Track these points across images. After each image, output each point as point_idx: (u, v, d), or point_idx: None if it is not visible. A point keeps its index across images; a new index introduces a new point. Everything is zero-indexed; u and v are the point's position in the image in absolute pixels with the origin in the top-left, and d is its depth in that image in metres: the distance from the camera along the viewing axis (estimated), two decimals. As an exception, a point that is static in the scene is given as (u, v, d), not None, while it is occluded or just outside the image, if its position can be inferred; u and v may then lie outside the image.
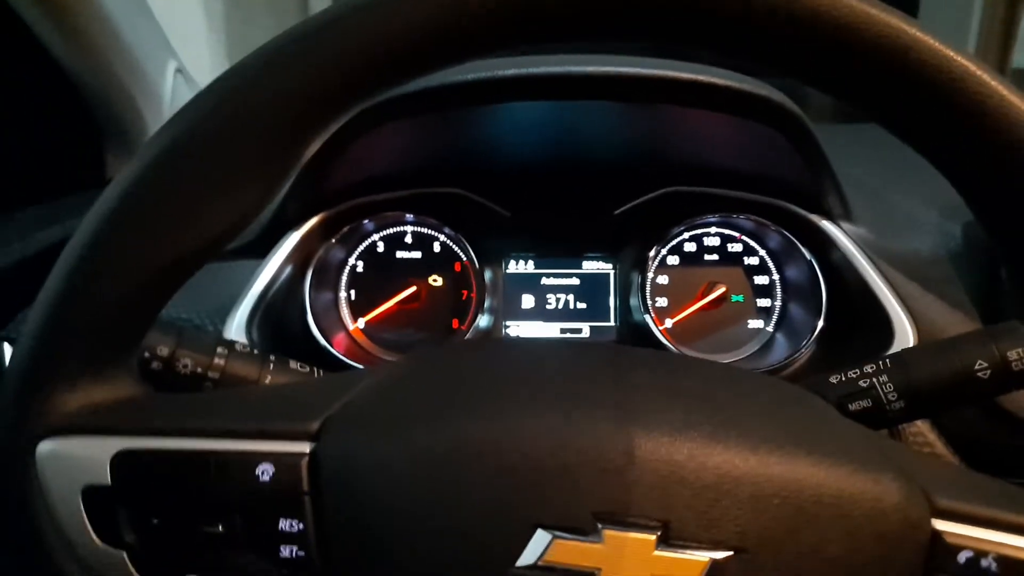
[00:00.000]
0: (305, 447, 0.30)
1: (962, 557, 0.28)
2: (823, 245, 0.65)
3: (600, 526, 0.27)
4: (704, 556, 0.27)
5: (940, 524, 0.28)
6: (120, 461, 0.30)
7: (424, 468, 0.28)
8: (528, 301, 0.73)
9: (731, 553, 0.27)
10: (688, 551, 0.27)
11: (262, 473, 0.30)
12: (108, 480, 0.30)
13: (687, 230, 0.71)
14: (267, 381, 0.43)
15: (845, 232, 0.64)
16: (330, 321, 0.69)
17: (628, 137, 0.68)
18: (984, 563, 0.27)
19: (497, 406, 0.30)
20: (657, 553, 0.27)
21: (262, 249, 0.63)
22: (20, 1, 0.62)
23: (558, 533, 0.27)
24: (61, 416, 0.31)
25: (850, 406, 0.42)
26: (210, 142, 0.29)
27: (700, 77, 0.52)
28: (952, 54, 0.28)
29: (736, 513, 0.27)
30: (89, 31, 0.68)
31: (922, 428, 0.56)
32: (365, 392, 0.33)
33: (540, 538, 0.27)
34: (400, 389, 0.33)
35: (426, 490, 0.28)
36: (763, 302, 0.72)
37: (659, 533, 0.27)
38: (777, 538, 0.27)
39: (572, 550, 0.27)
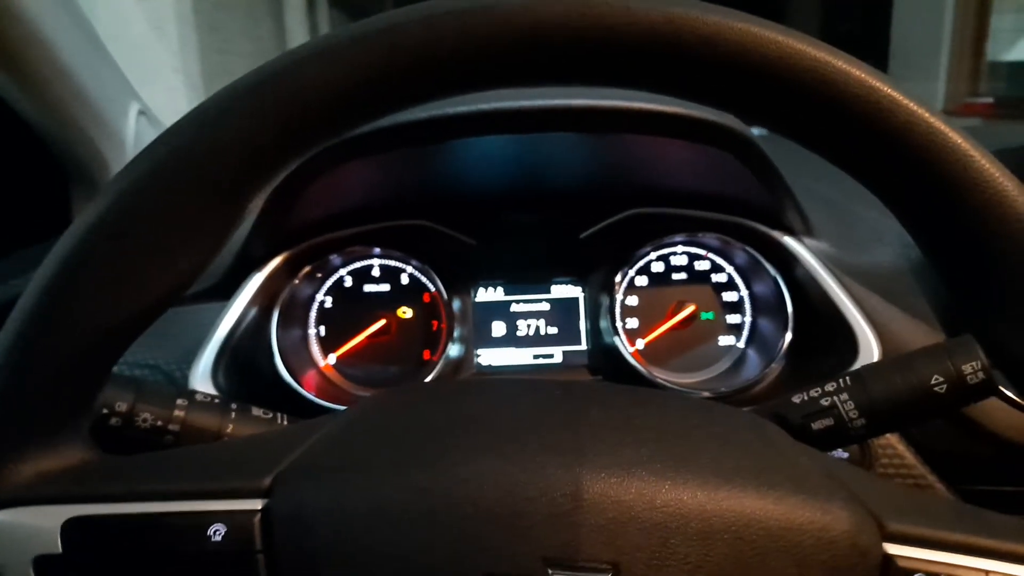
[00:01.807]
0: (257, 504, 0.30)
1: None
2: (787, 261, 0.66)
3: (550, 571, 0.27)
4: None
5: (891, 548, 0.28)
6: (70, 528, 0.30)
7: (374, 520, 0.28)
8: (498, 328, 0.73)
9: None
10: None
11: (214, 533, 0.29)
12: (59, 549, 0.30)
13: (654, 250, 0.71)
14: (229, 430, 0.43)
15: (807, 247, 0.65)
16: (300, 360, 0.69)
17: (590, 163, 0.68)
18: None
19: (446, 455, 0.30)
20: None
21: (226, 291, 0.63)
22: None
23: None
24: (10, 487, 0.31)
25: (813, 425, 0.42)
26: (150, 201, 0.29)
27: (650, 106, 0.53)
28: (878, 84, 0.28)
29: (686, 551, 0.27)
30: (47, 81, 0.69)
31: (892, 441, 0.56)
32: (316, 444, 0.33)
33: None
34: (350, 440, 0.33)
35: (377, 542, 0.28)
36: (733, 318, 0.72)
37: (610, 575, 0.27)
38: (727, 573, 0.27)
39: None
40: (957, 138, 0.29)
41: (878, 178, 0.31)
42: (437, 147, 0.60)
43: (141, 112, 0.83)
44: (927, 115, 0.29)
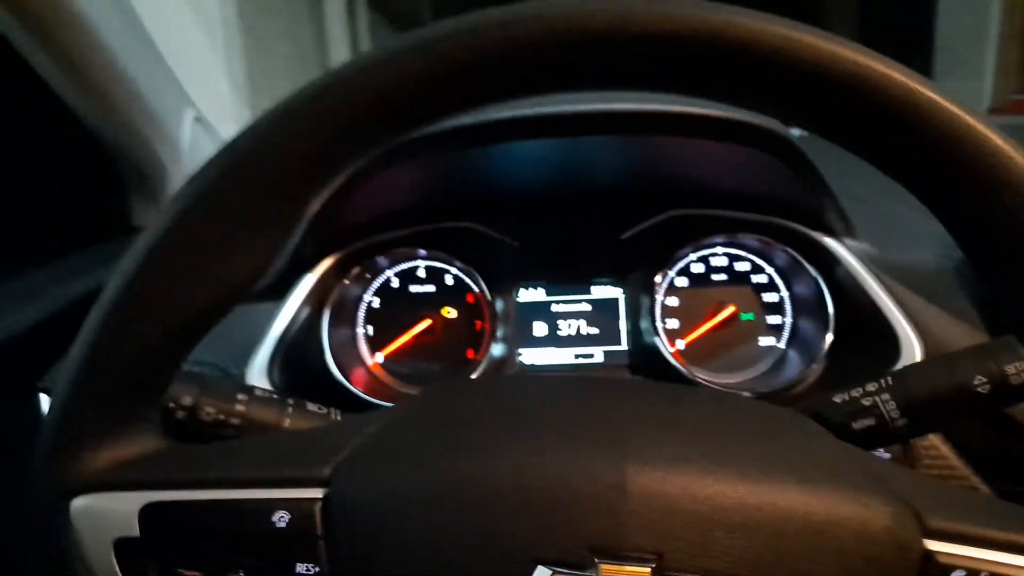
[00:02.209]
0: (318, 493, 0.32)
1: None
2: (827, 262, 0.66)
3: (596, 560, 0.28)
4: None
5: (932, 544, 0.28)
6: (147, 514, 0.32)
7: (427, 507, 0.30)
8: (540, 329, 0.74)
9: None
10: None
11: (278, 520, 0.31)
12: (137, 532, 0.32)
13: (694, 251, 0.72)
14: (286, 424, 0.45)
15: (848, 248, 0.65)
16: (349, 358, 0.71)
17: (630, 166, 0.69)
18: None
19: (496, 446, 0.31)
20: None
21: (279, 291, 0.66)
22: (38, 59, 0.65)
23: (557, 569, 0.28)
24: (91, 474, 0.33)
25: (854, 425, 0.42)
26: (219, 203, 0.31)
27: (690, 110, 0.54)
28: (917, 87, 0.29)
29: (728, 542, 0.28)
30: (106, 86, 0.71)
31: (935, 441, 0.56)
32: (372, 436, 0.34)
33: (540, 574, 0.28)
34: (405, 431, 0.34)
35: (431, 529, 0.30)
36: (773, 319, 0.72)
37: (654, 565, 0.28)
38: (768, 565, 0.28)
39: None
40: (997, 139, 0.29)
41: (918, 179, 0.32)
42: (481, 151, 0.62)
43: (196, 118, 0.86)
44: (967, 116, 0.29)
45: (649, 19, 0.29)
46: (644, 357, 0.72)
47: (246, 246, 0.33)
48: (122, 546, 0.32)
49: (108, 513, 0.33)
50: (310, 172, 0.32)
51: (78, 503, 0.33)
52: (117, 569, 0.32)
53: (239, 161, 0.31)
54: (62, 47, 0.65)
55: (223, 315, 0.35)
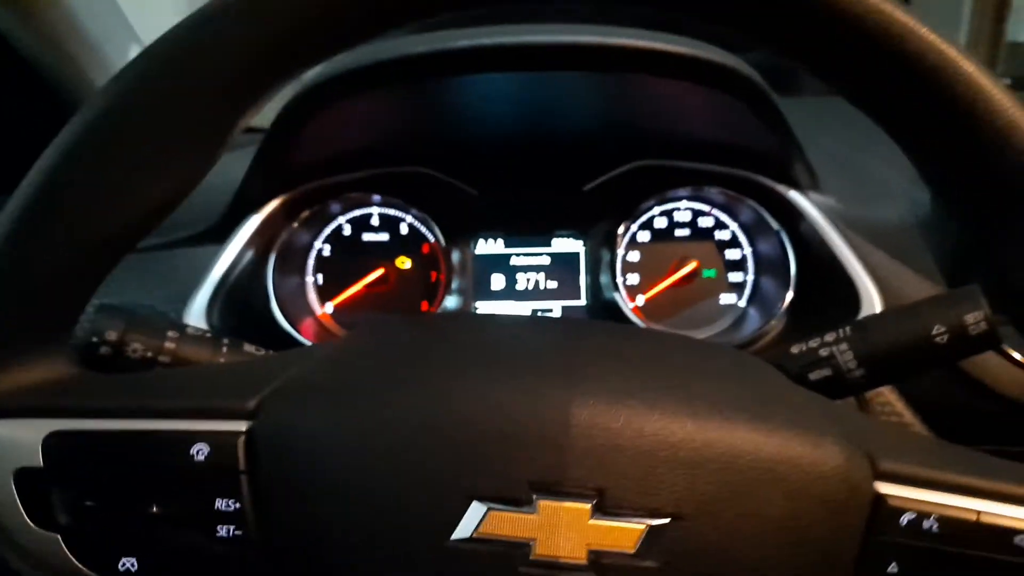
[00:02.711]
0: (242, 425, 0.30)
1: (904, 519, 0.27)
2: (791, 216, 0.65)
3: (535, 496, 0.26)
4: (640, 524, 0.26)
5: (883, 487, 0.28)
6: (52, 443, 0.30)
7: (360, 441, 0.28)
8: (498, 281, 0.72)
9: (668, 520, 0.26)
10: (624, 519, 0.26)
11: (197, 452, 0.29)
12: (40, 462, 0.30)
13: (657, 204, 0.70)
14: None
15: (813, 202, 0.64)
16: (296, 307, 0.68)
17: (596, 109, 0.67)
18: (926, 524, 0.27)
19: (434, 379, 0.30)
20: (592, 522, 0.26)
21: (222, 234, 0.63)
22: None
23: (493, 505, 0.27)
24: None
25: (810, 376, 0.41)
26: (140, 109, 0.29)
27: (662, 46, 0.52)
28: (891, 9, 0.28)
29: (673, 479, 0.27)
30: (46, 16, 0.68)
31: (889, 397, 0.56)
32: (303, 369, 0.32)
33: (475, 510, 0.27)
34: (338, 365, 0.32)
35: (363, 463, 0.28)
36: (735, 276, 0.71)
37: (594, 501, 0.26)
38: (715, 504, 0.27)
39: (506, 521, 0.26)
40: (969, 66, 0.28)
41: (888, 110, 0.30)
42: (440, 88, 0.59)
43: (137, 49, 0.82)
44: (940, 42, 0.28)
45: None
46: (603, 312, 0.71)
47: (167, 159, 0.30)
48: (23, 477, 0.30)
49: (9, 441, 0.30)
50: (240, 84, 0.29)
51: None
52: (17, 502, 0.30)
53: (162, 64, 0.29)
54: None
55: (143, 234, 0.33)
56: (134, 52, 0.79)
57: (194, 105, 0.29)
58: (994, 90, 0.28)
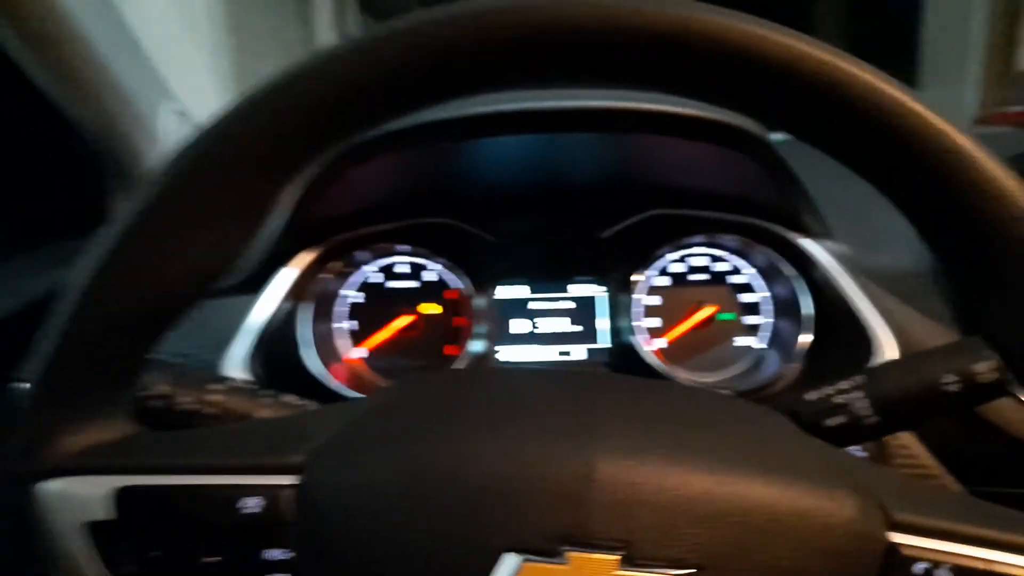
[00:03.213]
0: (291, 479, 0.31)
1: (918, 568, 0.28)
2: (805, 263, 0.66)
3: (564, 548, 0.28)
4: (665, 574, 0.28)
5: (896, 537, 0.29)
6: (120, 497, 0.32)
7: (399, 496, 0.30)
8: (519, 326, 0.75)
9: (691, 571, 0.28)
10: (650, 570, 0.28)
11: (251, 505, 0.31)
12: (110, 515, 0.32)
13: (673, 251, 0.72)
14: (263, 415, 0.45)
15: (825, 249, 0.65)
16: (328, 352, 0.70)
17: (610, 164, 0.69)
18: (939, 574, 0.28)
19: (469, 434, 0.31)
20: (620, 573, 0.28)
21: (257, 284, 0.65)
22: (15, 48, 0.65)
23: (527, 556, 0.28)
24: (62, 457, 0.33)
25: (826, 422, 0.42)
26: (190, 190, 0.31)
27: (668, 108, 0.54)
28: (883, 86, 0.29)
29: (694, 532, 0.28)
30: (84, 76, 0.71)
31: (908, 440, 0.57)
32: (347, 425, 0.34)
33: (510, 561, 0.28)
34: (379, 421, 0.34)
35: (402, 517, 0.30)
36: (751, 319, 0.73)
37: (622, 554, 0.28)
38: (733, 555, 0.28)
39: (539, 572, 0.28)
40: (961, 139, 0.29)
41: (886, 179, 0.32)
42: (461, 146, 0.62)
43: (176, 111, 0.86)
44: (931, 117, 0.29)
45: (621, 14, 0.29)
46: (623, 356, 0.72)
47: (216, 233, 0.33)
48: (95, 529, 0.32)
49: (81, 497, 0.32)
50: (280, 161, 0.32)
51: (50, 487, 0.33)
52: (96, 551, 0.32)
53: (210, 149, 0.31)
54: (40, 35, 0.65)
55: (195, 302, 0.35)
56: (167, 109, 0.84)
57: (246, 180, 0.31)
58: (986, 161, 0.30)
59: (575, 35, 0.29)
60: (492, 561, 0.28)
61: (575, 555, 0.28)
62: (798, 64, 0.29)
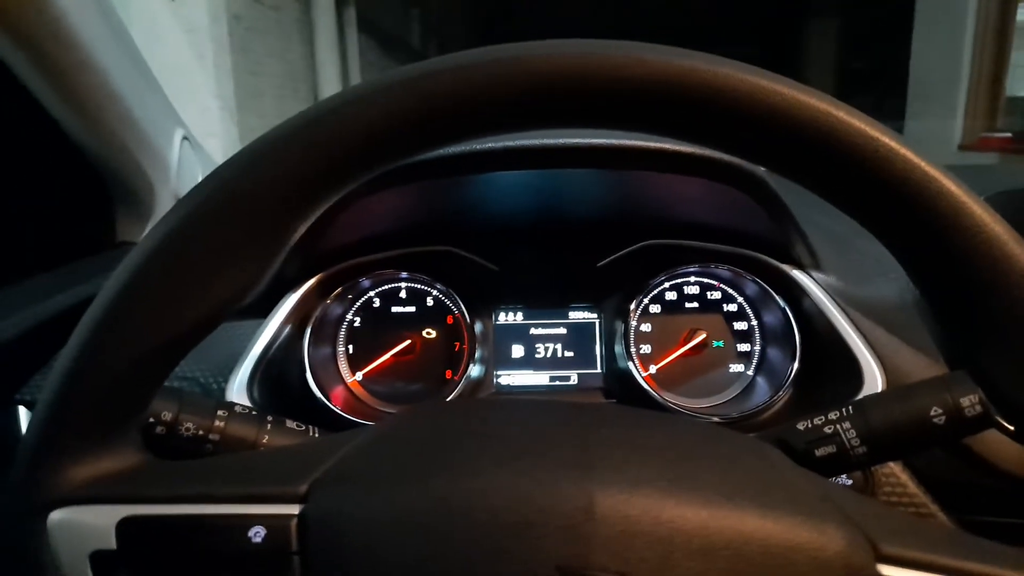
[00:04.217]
0: (294, 509, 0.32)
1: None
2: (795, 293, 0.68)
3: None
4: None
5: (885, 570, 0.29)
6: (124, 527, 0.33)
7: (400, 527, 0.31)
8: (517, 351, 0.76)
9: None
10: None
11: (254, 535, 0.32)
12: (114, 545, 0.33)
13: (667, 279, 0.74)
14: (264, 441, 0.46)
15: (815, 280, 0.67)
16: (329, 376, 0.72)
17: (606, 197, 0.71)
18: None
19: (466, 468, 0.32)
20: None
21: (263, 310, 0.67)
22: (28, 75, 0.66)
23: None
24: (70, 487, 0.34)
25: (816, 452, 0.44)
26: (206, 228, 0.32)
27: (665, 146, 0.56)
28: (877, 134, 0.31)
29: (688, 564, 0.29)
30: (96, 104, 0.72)
31: (895, 470, 0.58)
32: (348, 455, 0.35)
33: None
34: (379, 452, 0.35)
35: (402, 548, 0.30)
36: (743, 347, 0.74)
37: None
38: None
39: None
40: (950, 184, 0.31)
41: (876, 222, 0.33)
42: (462, 180, 0.64)
43: (185, 137, 0.88)
44: (922, 163, 0.31)
45: (622, 63, 0.30)
46: (618, 381, 0.74)
47: (232, 269, 0.34)
48: (98, 559, 0.33)
49: (85, 526, 0.33)
50: (296, 200, 0.33)
51: (56, 516, 0.33)
52: None
53: (228, 188, 0.32)
54: (53, 64, 0.66)
55: (207, 333, 0.36)
56: (178, 137, 0.85)
57: (260, 218, 0.33)
58: (973, 206, 0.31)
59: (582, 85, 0.30)
60: None
61: None
62: (796, 112, 0.30)
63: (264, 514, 0.32)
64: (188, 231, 0.32)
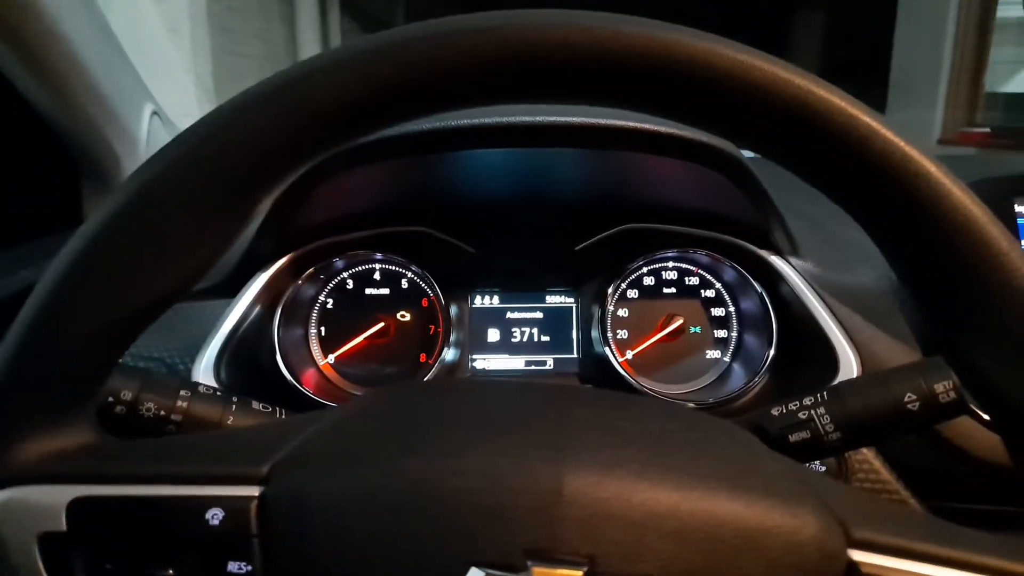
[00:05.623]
0: (254, 491, 0.31)
1: None
2: (773, 279, 0.68)
3: (529, 563, 0.28)
4: None
5: (856, 554, 0.29)
6: (75, 508, 0.32)
7: (364, 508, 0.30)
8: (493, 335, 0.75)
9: None
10: None
11: (212, 517, 0.31)
12: (64, 527, 0.31)
13: (645, 264, 0.74)
14: (229, 422, 0.45)
15: (793, 267, 0.67)
16: (300, 358, 0.71)
17: (587, 178, 0.70)
18: None
19: (435, 447, 0.32)
20: None
21: (232, 289, 0.65)
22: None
23: (491, 571, 0.28)
24: (18, 466, 0.32)
25: (790, 437, 0.44)
26: (165, 198, 0.31)
27: (645, 126, 0.55)
28: (857, 112, 0.30)
29: (660, 547, 0.28)
30: (64, 77, 0.70)
31: (868, 456, 0.58)
32: (312, 436, 0.34)
33: (473, 575, 0.28)
34: (344, 433, 0.34)
35: (366, 529, 0.30)
36: (720, 333, 0.74)
37: (585, 568, 0.28)
38: (699, 571, 0.28)
39: None
40: (930, 166, 0.30)
41: (856, 202, 0.32)
42: (440, 157, 0.62)
43: (154, 112, 0.85)
44: (903, 144, 0.30)
45: (603, 35, 0.29)
46: (594, 366, 0.73)
47: (191, 242, 0.32)
48: (47, 541, 0.32)
49: (34, 506, 0.32)
50: (262, 169, 0.31)
51: (1, 496, 0.32)
52: (40, 564, 0.31)
53: (190, 154, 0.31)
54: (17, 34, 0.64)
55: (162, 311, 0.34)
56: (147, 112, 0.83)
57: (221, 189, 0.31)
58: (954, 189, 0.30)
59: (562, 56, 0.29)
60: (457, 574, 0.28)
61: (540, 570, 0.28)
62: (776, 88, 0.29)
63: (223, 496, 0.31)
64: (148, 199, 0.31)
